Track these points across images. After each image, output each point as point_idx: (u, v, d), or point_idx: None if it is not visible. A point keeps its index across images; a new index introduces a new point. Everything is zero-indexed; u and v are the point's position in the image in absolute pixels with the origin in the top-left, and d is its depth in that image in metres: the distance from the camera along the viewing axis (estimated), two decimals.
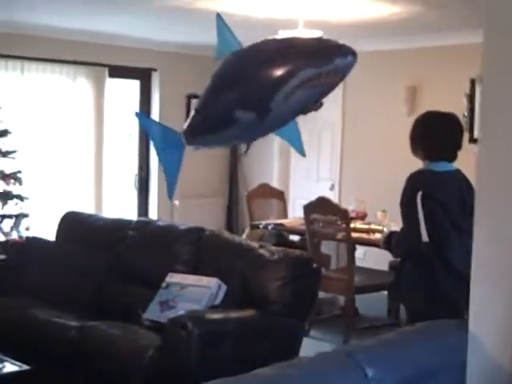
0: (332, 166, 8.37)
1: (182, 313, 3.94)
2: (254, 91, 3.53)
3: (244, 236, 6.77)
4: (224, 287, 4.21)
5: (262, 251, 4.35)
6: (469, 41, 6.95)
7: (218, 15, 3.96)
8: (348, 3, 5.88)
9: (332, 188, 8.30)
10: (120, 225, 5.13)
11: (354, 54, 3.50)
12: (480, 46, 6.81)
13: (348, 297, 5.90)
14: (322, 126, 8.27)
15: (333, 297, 6.57)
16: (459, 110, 6.87)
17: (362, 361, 2.14)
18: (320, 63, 3.42)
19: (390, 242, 3.86)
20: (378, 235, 6.07)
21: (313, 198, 8.26)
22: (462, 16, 6.24)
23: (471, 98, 7.00)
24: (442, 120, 3.78)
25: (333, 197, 7.76)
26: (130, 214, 8.69)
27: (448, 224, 3.58)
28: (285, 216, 7.27)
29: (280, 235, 6.67)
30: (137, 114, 4.30)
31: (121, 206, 8.94)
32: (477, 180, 2.69)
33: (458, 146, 3.72)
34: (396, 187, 7.55)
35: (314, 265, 4.31)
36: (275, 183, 8.46)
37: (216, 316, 3.91)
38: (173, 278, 4.45)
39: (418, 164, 7.39)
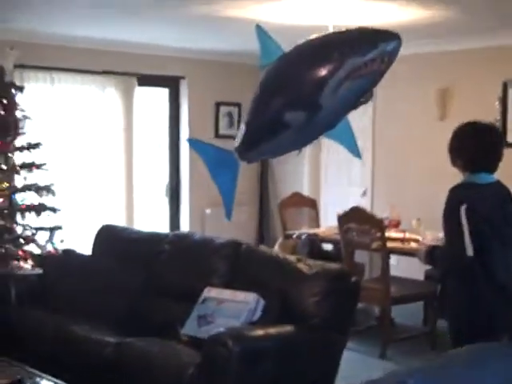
0: (364, 172, 8.29)
1: (222, 329, 3.89)
2: (300, 89, 3.46)
3: (277, 246, 6.72)
4: (262, 302, 4.16)
5: (299, 265, 4.30)
6: (500, 43, 6.88)
7: (258, 26, 3.90)
8: (379, 8, 5.82)
9: (364, 194, 8.23)
10: (156, 238, 5.10)
11: (398, 38, 3.39)
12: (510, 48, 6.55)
13: (384, 307, 5.82)
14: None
15: (368, 307, 6.50)
16: (491, 113, 6.81)
17: None
18: (364, 50, 3.31)
19: (431, 255, 3.78)
20: (413, 244, 6.01)
21: (344, 204, 8.21)
22: (494, 18, 6.16)
23: (504, 101, 6.91)
24: (480, 131, 3.69)
25: (365, 203, 7.69)
26: (162, 223, 8.68)
27: (493, 238, 3.50)
28: (317, 224, 7.21)
29: (313, 244, 6.61)
30: (189, 140, 4.31)
31: (152, 216, 8.92)
32: None
33: (498, 157, 3.65)
34: (429, 193, 7.56)
35: (353, 278, 4.24)
36: (306, 191, 8.40)
37: (256, 333, 3.87)
38: (210, 292, 4.41)
39: (450, 169, 7.31)
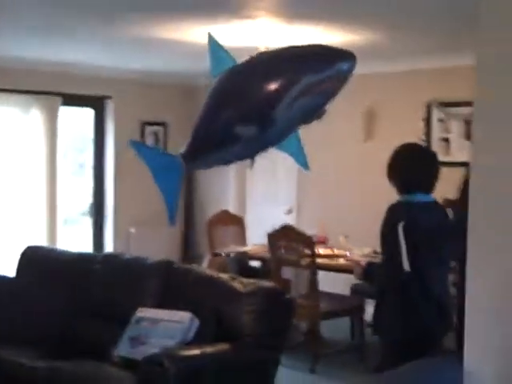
0: (289, 190, 8.38)
1: (157, 350, 3.87)
2: (254, 103, 3.46)
3: (205, 264, 6.72)
4: (197, 321, 4.15)
5: (233, 283, 4.31)
6: (423, 66, 7.09)
7: (210, 34, 3.89)
8: (304, 31, 5.91)
9: (289, 212, 8.30)
10: (85, 259, 5.03)
11: (354, 57, 3.42)
12: (434, 71, 6.84)
13: (314, 323, 5.89)
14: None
15: (296, 323, 6.54)
16: (416, 134, 6.99)
17: None
18: (321, 68, 3.33)
19: (368, 272, 3.86)
20: (341, 260, 6.10)
21: (270, 222, 8.27)
22: (416, 42, 6.34)
23: (428, 121, 7.12)
24: (415, 152, 3.82)
25: (290, 221, 7.76)
26: (85, 243, 8.57)
27: (429, 254, 3.60)
28: (244, 242, 7.24)
29: (241, 262, 6.64)
30: (131, 142, 4.22)
31: (75, 235, 8.81)
32: (470, 210, 2.69)
33: (432, 177, 3.76)
34: (355, 211, 7.67)
35: (288, 295, 4.29)
36: (232, 209, 8.42)
37: (192, 352, 3.85)
38: (143, 312, 4.37)
39: (375, 188, 7.45)
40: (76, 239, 8.72)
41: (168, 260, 4.75)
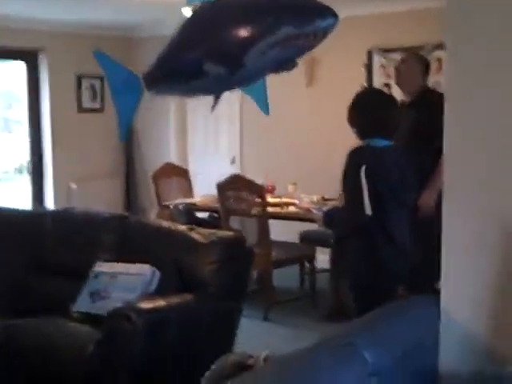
0: (231, 140, 8.33)
1: (119, 304, 3.81)
2: (227, 44, 3.38)
3: (152, 217, 6.64)
4: (158, 273, 4.10)
5: (193, 234, 4.26)
6: (364, 12, 7.08)
7: None
8: None
9: (233, 162, 8.27)
10: (35, 216, 4.91)
11: (336, 16, 3.38)
12: (374, 17, 6.79)
13: (266, 271, 5.91)
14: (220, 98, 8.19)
15: None
16: (358, 80, 7.01)
17: (360, 347, 2.13)
18: (301, 23, 3.27)
19: (329, 218, 3.87)
20: (291, 208, 6.12)
21: (213, 173, 8.24)
22: None
23: (369, 68, 7.14)
24: (372, 99, 3.81)
25: (234, 171, 7.72)
26: (23, 201, 8.38)
27: (390, 197, 3.64)
28: (190, 194, 7.19)
29: (189, 214, 6.59)
30: (96, 53, 4.08)
31: (10, 192, 8.60)
32: (446, 148, 2.71)
33: (394, 122, 3.77)
34: (301, 158, 7.66)
35: (248, 244, 4.27)
36: (174, 160, 8.34)
37: (157, 304, 3.80)
38: (101, 267, 4.29)
39: (319, 134, 7.45)
40: (11, 196, 8.50)
41: (122, 213, 4.66)
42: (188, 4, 3.75)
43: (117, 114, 3.81)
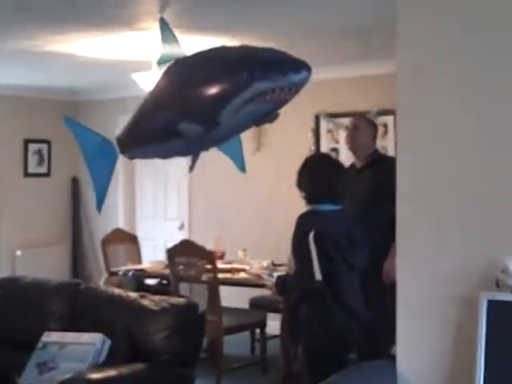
0: (180, 205, 8.31)
1: (68, 375, 3.71)
2: (201, 103, 3.32)
3: (102, 283, 6.53)
4: (108, 342, 4.02)
5: (144, 301, 4.20)
6: (311, 78, 7.20)
7: (162, 19, 3.77)
8: (205, 42, 5.88)
9: (181, 228, 8.23)
10: None
11: (309, 69, 3.35)
12: (322, 82, 6.92)
13: (217, 338, 5.82)
14: (169, 162, 8.19)
15: None
16: (306, 144, 7.11)
17: None
18: (274, 77, 3.22)
19: (282, 284, 3.87)
20: (242, 274, 6.09)
21: (161, 238, 8.18)
22: (305, 56, 6.43)
23: (317, 132, 7.25)
24: (325, 163, 3.85)
25: (183, 237, 7.68)
26: None
27: (340, 261, 3.65)
28: (139, 260, 7.11)
29: (138, 280, 6.51)
30: (66, 119, 4.04)
31: None
32: (398, 212, 2.75)
33: (341, 187, 3.81)
34: (251, 224, 7.66)
35: (199, 310, 4.22)
36: (122, 226, 8.27)
37: (108, 374, 3.71)
38: (50, 336, 4.18)
39: (267, 199, 7.48)
40: None
41: (73, 280, 4.58)
42: (158, 63, 3.73)
43: (92, 181, 3.77)
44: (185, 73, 3.54)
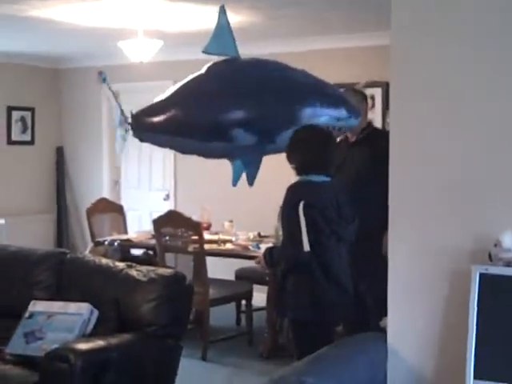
0: (165, 175, 8.28)
1: (57, 345, 3.70)
2: (268, 119, 3.36)
3: (87, 253, 6.50)
4: (96, 312, 4.00)
5: (131, 272, 4.18)
6: (299, 49, 7.17)
7: (223, 7, 3.69)
8: (187, 14, 5.82)
9: (167, 198, 8.21)
10: None
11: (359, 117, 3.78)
12: (309, 53, 6.84)
13: (203, 309, 5.83)
14: None
15: None
16: None
17: None
18: (339, 116, 3.56)
19: (271, 257, 3.85)
20: (228, 245, 6.08)
21: (146, 209, 8.15)
22: (289, 25, 6.40)
23: None
24: (314, 135, 3.81)
25: (168, 207, 7.66)
26: None
27: (329, 233, 3.65)
28: (125, 230, 7.09)
29: (123, 251, 6.49)
30: (103, 77, 4.00)
31: None
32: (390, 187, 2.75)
33: (331, 159, 3.79)
34: (235, 194, 7.63)
35: (187, 281, 4.21)
36: (106, 195, 8.23)
37: (97, 345, 3.70)
38: (36, 306, 4.16)
39: (258, 172, 7.41)
40: None
41: (60, 250, 4.55)
42: (206, 52, 3.63)
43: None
44: (251, 82, 3.54)
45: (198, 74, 3.77)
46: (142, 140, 3.76)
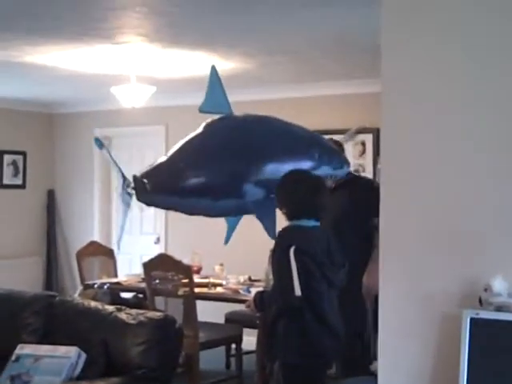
0: (156, 219, 8.27)
1: None
2: (275, 172, 3.48)
3: (76, 296, 6.47)
4: (84, 356, 3.96)
5: (121, 315, 4.16)
6: (294, 95, 7.24)
7: (213, 67, 3.74)
8: (182, 57, 5.87)
9: (157, 241, 8.19)
10: None
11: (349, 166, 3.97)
12: (302, 100, 6.90)
13: (193, 353, 5.77)
14: None
15: None
16: None
17: None
18: (335, 166, 3.70)
19: (261, 301, 3.84)
20: (218, 289, 6.06)
21: (137, 252, 8.13)
22: (284, 71, 6.46)
23: None
24: (303, 180, 3.81)
25: (159, 251, 7.63)
26: None
27: (320, 278, 3.64)
28: (115, 274, 7.05)
29: (113, 294, 6.45)
30: (96, 140, 4.01)
31: None
32: (382, 234, 2.76)
33: (321, 203, 3.79)
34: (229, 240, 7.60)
35: (177, 324, 4.18)
36: (97, 238, 8.21)
37: None
38: (24, 349, 4.12)
39: (249, 216, 7.43)
40: None
41: (49, 293, 4.52)
42: (201, 111, 3.68)
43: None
44: (257, 137, 3.66)
45: (196, 132, 3.84)
46: (147, 204, 3.75)
